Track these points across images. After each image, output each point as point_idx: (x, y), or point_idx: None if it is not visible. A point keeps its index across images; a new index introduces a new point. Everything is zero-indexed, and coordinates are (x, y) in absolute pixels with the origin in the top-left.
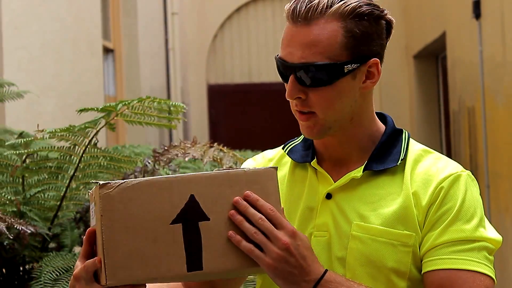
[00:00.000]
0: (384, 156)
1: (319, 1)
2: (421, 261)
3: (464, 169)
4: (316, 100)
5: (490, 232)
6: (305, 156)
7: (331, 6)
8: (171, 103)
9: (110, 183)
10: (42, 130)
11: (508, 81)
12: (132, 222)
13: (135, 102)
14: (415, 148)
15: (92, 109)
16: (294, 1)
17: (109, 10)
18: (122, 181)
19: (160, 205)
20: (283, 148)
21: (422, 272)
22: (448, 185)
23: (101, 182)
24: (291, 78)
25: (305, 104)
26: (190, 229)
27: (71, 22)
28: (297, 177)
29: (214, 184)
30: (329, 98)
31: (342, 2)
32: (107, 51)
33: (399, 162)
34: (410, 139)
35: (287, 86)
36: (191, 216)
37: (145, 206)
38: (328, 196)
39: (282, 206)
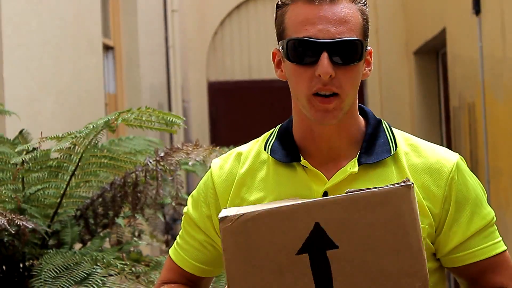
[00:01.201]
0: (373, 148)
1: None
2: (448, 253)
3: (454, 153)
4: (344, 79)
5: (489, 206)
6: (288, 155)
7: None
8: (169, 118)
9: (229, 216)
10: (45, 137)
11: (508, 77)
12: (255, 254)
13: (136, 112)
14: (400, 137)
15: (96, 125)
16: None
17: (109, 7)
18: (242, 212)
19: (284, 235)
20: (264, 149)
21: (458, 265)
22: (457, 175)
23: (220, 216)
24: (324, 55)
25: (332, 84)
26: (318, 258)
27: (71, 20)
28: (283, 177)
29: (339, 209)
30: (354, 78)
31: None
32: (107, 48)
33: (393, 152)
34: (392, 127)
35: (320, 65)
36: (317, 245)
37: (268, 237)
38: (325, 194)
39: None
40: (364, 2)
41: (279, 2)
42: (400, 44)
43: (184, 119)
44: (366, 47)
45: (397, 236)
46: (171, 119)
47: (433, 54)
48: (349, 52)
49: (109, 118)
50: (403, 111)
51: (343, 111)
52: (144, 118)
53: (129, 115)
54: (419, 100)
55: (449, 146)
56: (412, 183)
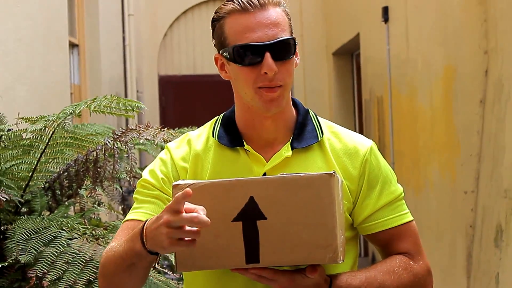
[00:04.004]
0: (302, 135)
1: None
2: (361, 223)
3: (368, 139)
4: (285, 72)
5: (399, 185)
6: (233, 140)
7: None
8: (134, 104)
9: (180, 184)
10: (22, 117)
11: (411, 75)
12: None
13: (104, 100)
14: (324, 125)
15: (66, 111)
16: None
17: (74, 10)
18: (191, 182)
19: (223, 205)
20: (212, 136)
21: (370, 233)
22: (370, 158)
23: (174, 183)
24: (268, 55)
25: (276, 78)
26: (249, 226)
27: (42, 21)
28: (228, 159)
29: (271, 187)
30: (291, 70)
31: None
32: (72, 46)
33: (320, 138)
34: (317, 116)
35: (265, 64)
36: (250, 215)
37: (210, 205)
38: (264, 175)
39: (341, 206)
40: (285, 4)
41: (215, 16)
42: (321, 46)
43: (143, 104)
44: (296, 42)
45: (316, 214)
46: (134, 105)
47: (348, 55)
48: (286, 49)
49: (82, 106)
50: (323, 103)
51: (285, 99)
52: (112, 105)
53: (99, 102)
54: (336, 94)
55: (361, 133)
56: (335, 172)
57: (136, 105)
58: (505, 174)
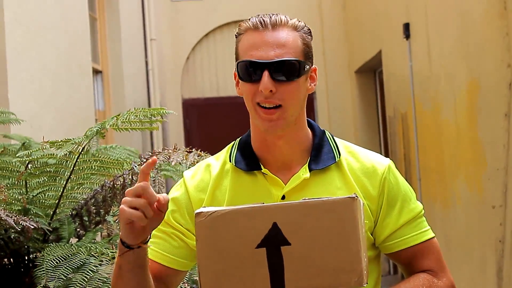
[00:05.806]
0: (319, 156)
1: (279, 16)
2: (382, 242)
3: (386, 158)
4: (285, 93)
5: (418, 202)
6: (250, 164)
7: (288, 21)
8: (154, 110)
9: (203, 212)
10: (47, 142)
11: (434, 90)
12: (222, 245)
13: (124, 116)
14: (341, 145)
15: (92, 129)
16: (255, 17)
17: (97, 37)
18: (214, 210)
19: (246, 232)
20: (230, 161)
21: (392, 251)
22: (388, 176)
23: (196, 211)
24: (265, 73)
25: (274, 98)
26: (273, 253)
27: (66, 48)
28: (247, 183)
29: (294, 212)
30: (294, 92)
31: (295, 19)
32: (96, 72)
33: (337, 159)
34: (334, 136)
35: (262, 81)
36: (274, 241)
37: (233, 232)
38: (283, 197)
39: (363, 229)
40: (306, 30)
41: (235, 33)
42: (343, 64)
43: (168, 110)
44: (305, 66)
45: (340, 238)
46: (157, 112)
47: (371, 73)
48: (288, 70)
49: (108, 123)
50: (347, 120)
51: (287, 121)
52: (137, 119)
53: (123, 118)
54: (360, 112)
55: (386, 150)
56: (357, 196)
57: (159, 111)
58: None
